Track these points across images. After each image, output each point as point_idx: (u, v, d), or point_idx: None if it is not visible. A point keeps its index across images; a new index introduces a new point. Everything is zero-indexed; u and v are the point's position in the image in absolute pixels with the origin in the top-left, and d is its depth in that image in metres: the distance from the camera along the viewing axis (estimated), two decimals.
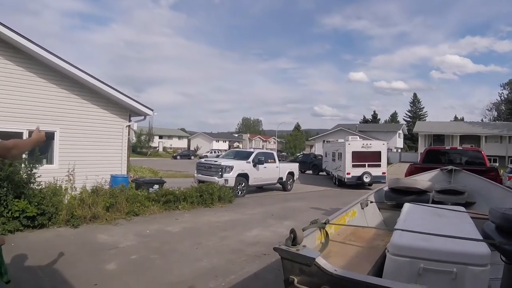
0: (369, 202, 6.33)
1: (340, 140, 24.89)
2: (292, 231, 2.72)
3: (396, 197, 6.68)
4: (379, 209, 6.73)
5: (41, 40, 10.85)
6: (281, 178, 20.02)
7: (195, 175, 17.78)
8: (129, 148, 13.70)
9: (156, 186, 12.75)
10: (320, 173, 32.21)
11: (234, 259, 7.46)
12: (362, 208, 6.00)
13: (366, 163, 22.84)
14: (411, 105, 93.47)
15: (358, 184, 22.59)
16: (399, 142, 67.74)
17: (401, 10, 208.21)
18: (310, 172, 34.74)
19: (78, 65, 11.40)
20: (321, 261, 2.53)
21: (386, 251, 3.33)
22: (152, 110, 13.45)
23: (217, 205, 13.33)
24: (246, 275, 6.61)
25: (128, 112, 13.19)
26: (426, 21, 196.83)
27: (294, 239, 2.67)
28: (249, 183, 17.57)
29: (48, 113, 11.09)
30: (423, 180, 7.58)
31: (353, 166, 22.78)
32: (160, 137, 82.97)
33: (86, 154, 11.85)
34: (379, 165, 23.09)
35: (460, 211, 4.77)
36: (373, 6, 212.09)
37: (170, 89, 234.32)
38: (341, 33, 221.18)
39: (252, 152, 18.92)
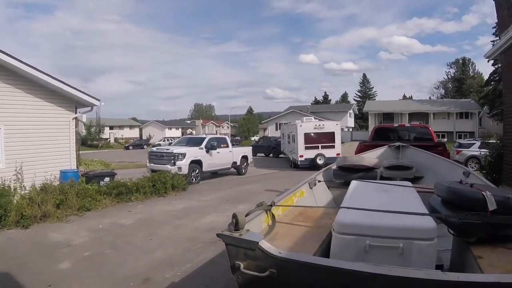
0: (317, 181, 6.45)
1: (297, 121, 24.56)
2: (234, 216, 2.68)
3: (344, 175, 6.74)
4: (328, 187, 6.85)
5: None
6: (235, 163, 20.13)
7: (148, 164, 17.57)
8: (77, 141, 13.35)
9: (107, 179, 12.54)
10: (281, 155, 32.07)
11: (190, 247, 7.56)
12: (311, 188, 6.10)
13: (320, 145, 22.50)
14: (361, 85, 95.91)
15: (313, 166, 21.61)
16: (350, 121, 69.34)
17: None
18: (271, 155, 34.86)
19: (24, 56, 11.11)
20: (264, 244, 2.52)
21: (332, 229, 3.31)
22: (98, 100, 13.07)
23: (171, 194, 13.32)
24: (202, 262, 6.74)
25: (74, 103, 12.78)
26: (374, 3, 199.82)
27: (236, 224, 2.64)
28: (203, 170, 17.56)
29: None
30: (370, 157, 7.76)
31: (306, 148, 22.47)
32: (111, 127, 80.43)
33: (34, 151, 11.41)
34: (333, 146, 22.64)
35: (407, 186, 4.89)
36: None
37: (120, 77, 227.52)
38: (291, 16, 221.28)
39: (205, 138, 18.88)
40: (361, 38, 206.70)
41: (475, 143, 23.31)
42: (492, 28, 51.82)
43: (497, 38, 49.39)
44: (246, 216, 3.10)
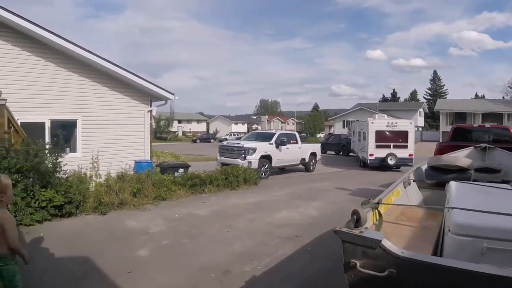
0: (411, 180, 6.16)
1: (369, 119, 23.25)
2: (355, 212, 2.63)
3: (437, 176, 6.40)
4: (418, 188, 6.50)
5: (55, 30, 10.74)
6: (303, 159, 19.71)
7: (218, 158, 17.61)
8: (151, 133, 13.56)
9: (181, 170, 12.63)
10: (351, 154, 30.87)
11: (267, 242, 7.30)
12: (405, 187, 5.77)
13: (391, 144, 21.23)
14: (431, 82, 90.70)
15: (383, 165, 21.00)
16: (420, 120, 66.04)
17: None
18: (341, 153, 33.74)
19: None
20: (386, 243, 2.42)
21: (448, 230, 3.24)
22: (173, 94, 13.21)
23: (243, 187, 13.16)
24: (281, 258, 6.47)
25: (148, 97, 13.02)
26: None
27: (357, 221, 2.58)
28: (272, 165, 17.33)
29: (69, 102, 10.99)
30: (463, 157, 7.23)
31: (377, 147, 21.27)
32: (179, 121, 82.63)
33: (109, 141, 11.74)
34: (405, 146, 21.29)
35: (509, 189, 4.65)
36: None
37: (186, 73, 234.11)
38: (355, 11, 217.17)
39: (274, 134, 18.64)
40: (429, 33, 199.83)
41: None
42: None
43: None
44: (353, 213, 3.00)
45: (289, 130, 55.74)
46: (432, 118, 74.18)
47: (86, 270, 5.53)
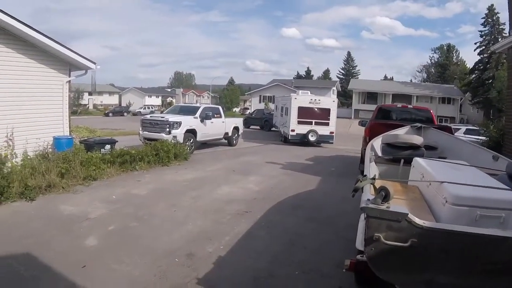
0: (374, 157, 6.31)
1: (292, 94, 22.98)
2: (384, 189, 2.74)
3: (393, 152, 6.59)
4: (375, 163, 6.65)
5: None
6: (227, 133, 19.39)
7: (141, 132, 16.60)
8: (70, 106, 12.33)
9: (107, 146, 11.63)
10: (273, 129, 30.65)
11: (219, 219, 7.07)
12: (370, 162, 5.81)
13: (313, 121, 21.42)
14: (345, 62, 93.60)
15: (304, 142, 21.19)
16: (334, 98, 68.30)
17: None
18: (264, 129, 33.39)
19: None
20: (412, 216, 2.65)
21: (444, 201, 3.62)
22: (94, 63, 11.99)
23: (174, 163, 12.56)
24: (240, 235, 6.31)
25: (67, 66, 11.62)
26: None
27: (386, 197, 2.70)
28: (197, 139, 16.81)
29: None
30: (417, 136, 7.53)
31: (299, 123, 21.32)
32: (90, 93, 76.55)
33: (25, 116, 10.27)
34: (327, 124, 21.61)
35: (468, 165, 5.09)
36: None
37: (96, 42, 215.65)
38: None
39: (199, 107, 18.01)
40: (343, 16, 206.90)
41: (460, 128, 22.93)
42: (481, 18, 54.20)
43: (485, 28, 51.95)
44: (355, 190, 3.31)
45: (205, 104, 54.71)
46: (344, 96, 76.62)
47: (33, 269, 4.72)
